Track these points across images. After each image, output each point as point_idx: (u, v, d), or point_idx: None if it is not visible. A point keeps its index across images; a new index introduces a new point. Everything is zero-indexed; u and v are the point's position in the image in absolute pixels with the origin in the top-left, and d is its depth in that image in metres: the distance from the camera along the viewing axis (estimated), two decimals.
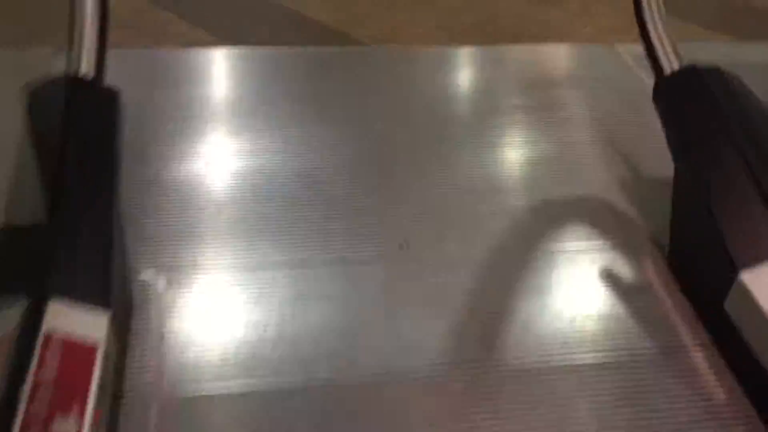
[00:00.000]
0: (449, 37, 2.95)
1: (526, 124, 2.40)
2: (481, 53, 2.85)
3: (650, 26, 1.77)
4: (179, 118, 2.26)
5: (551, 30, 3.07)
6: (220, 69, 2.63)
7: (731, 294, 1.41)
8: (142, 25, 2.81)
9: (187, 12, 2.91)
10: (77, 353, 1.07)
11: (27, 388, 0.96)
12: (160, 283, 1.54)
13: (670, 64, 1.72)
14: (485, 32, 3.02)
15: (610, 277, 1.71)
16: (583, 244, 1.83)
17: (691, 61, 1.78)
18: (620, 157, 2.15)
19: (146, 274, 1.55)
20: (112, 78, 1.59)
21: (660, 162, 1.99)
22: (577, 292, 1.69)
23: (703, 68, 1.70)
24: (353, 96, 2.52)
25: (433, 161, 2.14)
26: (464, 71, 2.79)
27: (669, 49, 1.72)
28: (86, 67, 1.49)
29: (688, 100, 1.69)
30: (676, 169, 1.69)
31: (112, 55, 1.59)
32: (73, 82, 1.48)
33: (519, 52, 2.86)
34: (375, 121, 2.34)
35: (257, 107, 2.38)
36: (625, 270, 1.71)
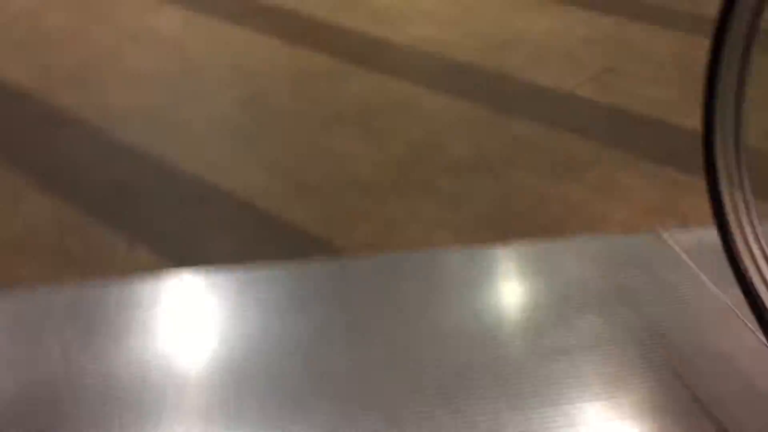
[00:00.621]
0: (454, 235, 2.42)
1: (563, 364, 1.84)
2: (493, 255, 2.31)
3: (746, 260, 1.24)
4: (106, 391, 1.68)
5: (574, 213, 2.54)
6: (164, 304, 2.07)
7: None
8: (65, 248, 2.26)
9: (123, 224, 2.37)
10: None
11: None
12: None
13: None
14: (496, 222, 2.49)
15: None
16: None
17: None
18: (698, 406, 1.58)
19: None
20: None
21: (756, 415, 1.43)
22: None
23: None
24: (338, 328, 1.96)
25: (439, 419, 1.58)
26: (476, 282, 2.24)
27: None
28: None
29: None
30: None
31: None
32: None
33: (539, 251, 2.33)
34: (368, 370, 1.78)
35: (218, 361, 1.82)
36: None
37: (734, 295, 2.15)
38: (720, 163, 1.53)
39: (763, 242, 1.42)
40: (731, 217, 1.39)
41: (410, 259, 2.29)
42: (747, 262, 1.31)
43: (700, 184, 2.79)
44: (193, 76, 3.44)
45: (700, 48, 4.12)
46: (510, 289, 2.20)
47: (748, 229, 1.42)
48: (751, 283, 1.29)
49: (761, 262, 1.33)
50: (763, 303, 1.29)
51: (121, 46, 3.74)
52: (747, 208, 1.40)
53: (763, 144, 2.73)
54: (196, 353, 1.89)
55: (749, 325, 1.92)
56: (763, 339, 1.72)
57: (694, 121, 3.23)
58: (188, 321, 2.03)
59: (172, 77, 3.42)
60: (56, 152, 2.75)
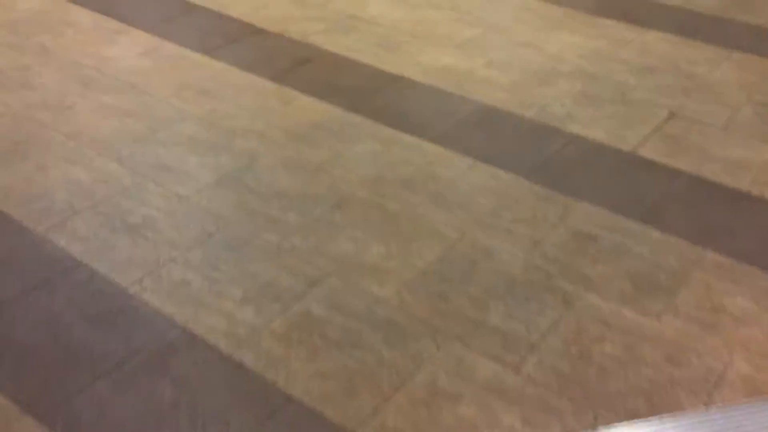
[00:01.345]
0: (519, 412, 1.75)
1: None
2: None
3: None
4: None
5: (674, 363, 1.88)
6: None
7: None
8: None
9: (52, 415, 1.68)
10: None
11: None
12: None
13: None
14: (573, 386, 1.82)
15: None
16: None
17: None
18: None
19: None
20: None
21: None
22: None
23: None
24: None
25: None
26: None
27: None
28: None
29: None
30: None
31: None
32: None
33: None
34: None
35: None
36: None
37: None
38: None
39: None
40: None
41: None
42: None
43: None
44: (159, 141, 2.72)
45: None
46: None
47: None
48: None
49: None
50: None
51: (69, 95, 3.00)
52: None
53: None
54: None
55: None
56: None
57: None
58: None
59: (131, 142, 2.70)
60: None
